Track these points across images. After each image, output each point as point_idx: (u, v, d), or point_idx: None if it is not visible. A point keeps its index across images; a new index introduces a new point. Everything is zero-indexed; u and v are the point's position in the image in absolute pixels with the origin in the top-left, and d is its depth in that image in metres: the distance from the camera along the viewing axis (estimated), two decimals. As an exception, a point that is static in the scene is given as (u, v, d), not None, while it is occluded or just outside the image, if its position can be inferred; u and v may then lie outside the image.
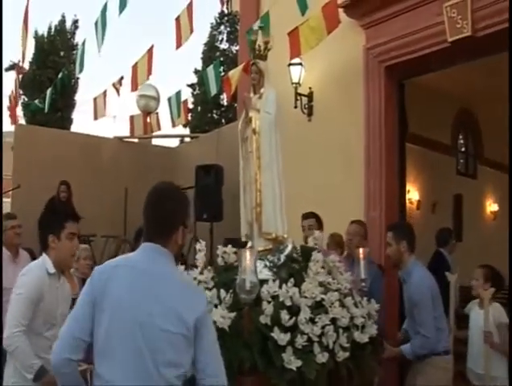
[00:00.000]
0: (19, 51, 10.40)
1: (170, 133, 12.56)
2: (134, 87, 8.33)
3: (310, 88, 7.74)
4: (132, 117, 11.30)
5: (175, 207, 2.67)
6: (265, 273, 3.75)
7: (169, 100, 9.00)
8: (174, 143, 15.75)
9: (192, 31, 7.31)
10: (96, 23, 7.77)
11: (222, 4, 7.49)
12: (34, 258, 6.14)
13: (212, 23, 19.75)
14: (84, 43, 8.61)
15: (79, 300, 2.51)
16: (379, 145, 6.91)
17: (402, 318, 5.38)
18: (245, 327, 3.29)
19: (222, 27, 19.77)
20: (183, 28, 7.32)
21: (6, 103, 10.66)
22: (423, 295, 4.55)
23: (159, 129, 11.36)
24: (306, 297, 3.60)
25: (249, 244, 4.26)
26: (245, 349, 3.24)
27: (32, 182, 9.14)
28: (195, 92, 18.92)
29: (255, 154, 4.23)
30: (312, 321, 3.50)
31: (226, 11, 18.21)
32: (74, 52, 19.42)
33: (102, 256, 8.65)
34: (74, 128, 20.27)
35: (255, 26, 5.85)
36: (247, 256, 3.33)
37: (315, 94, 7.78)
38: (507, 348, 4.68)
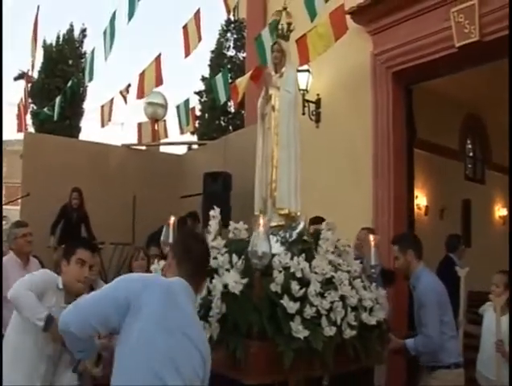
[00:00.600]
0: (29, 60, 10.46)
1: (177, 140, 12.62)
2: (141, 94, 8.35)
3: (317, 94, 7.76)
4: (140, 125, 11.33)
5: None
6: (276, 248, 3.76)
7: (177, 107, 9.02)
8: (181, 150, 15.79)
9: (200, 39, 7.33)
10: (104, 32, 7.82)
11: (228, 12, 7.48)
12: (43, 266, 6.20)
13: (219, 30, 19.84)
14: (93, 52, 8.66)
15: (107, 293, 2.53)
16: (387, 150, 6.92)
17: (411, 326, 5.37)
18: (256, 292, 3.32)
19: (229, 34, 19.83)
20: (191, 36, 7.34)
21: (14, 111, 10.74)
22: (429, 297, 4.51)
23: (167, 136, 11.39)
24: (316, 273, 3.63)
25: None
26: (255, 313, 3.26)
27: (41, 190, 9.16)
28: (202, 100, 18.97)
29: (273, 131, 4.29)
30: (322, 295, 3.53)
31: (233, 18, 18.29)
32: (82, 61, 19.54)
33: (111, 263, 8.66)
34: (82, 136, 20.39)
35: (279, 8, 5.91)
36: (261, 222, 3.35)
37: (323, 100, 7.80)
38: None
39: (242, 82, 8.12)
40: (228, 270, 3.52)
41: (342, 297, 3.62)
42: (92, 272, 5.35)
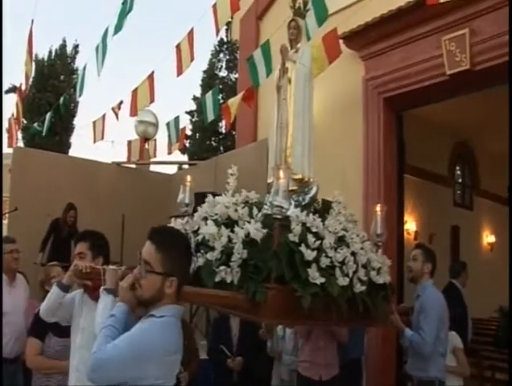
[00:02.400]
0: (21, 74, 10.44)
1: (167, 159, 12.61)
2: (134, 112, 8.36)
3: (308, 118, 7.78)
4: (130, 143, 11.33)
5: None
6: (290, 211, 3.85)
7: (167, 125, 9.03)
8: (172, 170, 15.78)
9: (192, 59, 7.34)
10: (96, 48, 7.83)
11: (217, 32, 7.50)
12: (28, 283, 6.12)
13: (211, 51, 19.93)
14: (84, 68, 8.68)
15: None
16: (378, 175, 6.95)
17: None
18: (276, 239, 3.46)
19: (221, 55, 19.92)
20: (183, 56, 7.37)
21: (4, 125, 10.70)
22: (434, 306, 4.71)
23: (155, 156, 11.40)
24: (329, 231, 3.79)
25: None
26: (274, 259, 3.40)
27: (29, 204, 9.07)
28: (193, 119, 19.00)
29: (289, 101, 4.50)
30: (335, 249, 3.71)
31: (226, 39, 18.40)
32: (74, 76, 19.55)
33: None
34: (72, 152, 20.33)
35: None
36: (281, 175, 3.51)
37: (315, 124, 7.81)
38: (464, 370, 5.35)
39: (234, 103, 8.15)
40: (248, 222, 3.69)
41: (353, 254, 3.80)
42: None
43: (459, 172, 12.88)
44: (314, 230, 3.71)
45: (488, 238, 13.22)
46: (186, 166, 13.95)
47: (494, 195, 12.59)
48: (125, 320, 2.65)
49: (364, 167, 7.10)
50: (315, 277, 3.43)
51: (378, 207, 4.35)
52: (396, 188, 7.26)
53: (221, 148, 18.17)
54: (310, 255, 3.49)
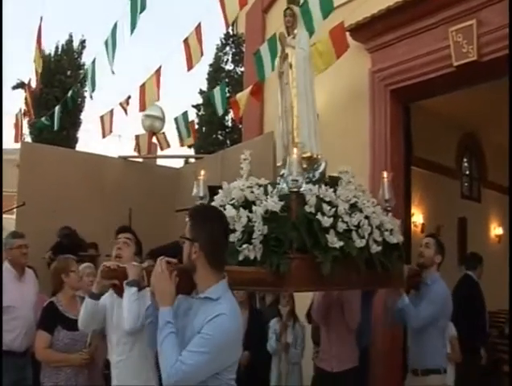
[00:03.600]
0: (29, 69, 10.48)
1: (173, 153, 12.58)
2: (142, 107, 8.39)
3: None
4: (138, 137, 11.33)
5: None
6: (303, 186, 4.00)
7: (176, 120, 9.04)
8: (179, 164, 15.77)
9: (202, 54, 7.38)
10: (106, 43, 7.83)
11: (227, 26, 7.53)
12: (37, 277, 6.16)
13: (217, 44, 19.85)
14: (93, 63, 8.67)
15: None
16: (385, 168, 6.91)
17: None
18: (293, 211, 3.68)
19: (227, 48, 19.83)
20: (192, 50, 7.37)
21: (11, 121, 10.73)
22: (440, 297, 4.83)
23: (169, 146, 11.38)
24: (342, 200, 3.98)
25: None
26: (294, 230, 3.60)
27: (37, 199, 9.09)
28: (200, 113, 18.94)
29: (291, 85, 4.65)
30: (350, 215, 3.92)
31: (231, 33, 18.32)
32: (81, 72, 19.56)
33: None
34: (79, 146, 20.34)
35: None
36: (294, 151, 3.82)
37: (321, 118, 7.76)
38: (457, 357, 5.62)
39: (243, 97, 8.16)
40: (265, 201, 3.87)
41: (366, 217, 4.01)
42: (89, 283, 5.37)
43: (466, 164, 12.83)
44: (327, 199, 3.90)
45: (495, 230, 13.17)
46: (192, 160, 13.95)
47: (501, 187, 12.52)
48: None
49: (371, 159, 7.09)
50: (334, 241, 3.66)
51: (385, 174, 4.57)
52: (403, 180, 7.24)
53: (228, 141, 18.10)
54: (327, 221, 3.71)
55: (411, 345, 5.08)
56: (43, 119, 11.15)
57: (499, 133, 10.61)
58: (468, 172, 12.92)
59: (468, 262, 7.52)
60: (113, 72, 8.09)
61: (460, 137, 11.94)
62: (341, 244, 3.67)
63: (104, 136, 9.46)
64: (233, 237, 3.68)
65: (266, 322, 6.21)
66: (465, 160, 12.73)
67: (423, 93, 7.12)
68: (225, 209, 3.88)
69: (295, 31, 4.87)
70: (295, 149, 3.88)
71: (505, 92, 6.12)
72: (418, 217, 10.71)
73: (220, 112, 8.33)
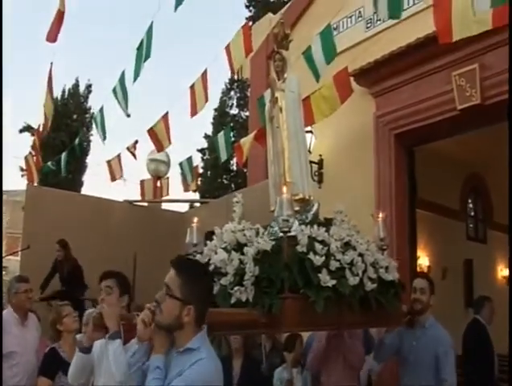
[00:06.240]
0: (39, 114, 10.59)
1: (179, 198, 12.59)
2: (160, 148, 8.55)
3: (320, 155, 7.82)
4: (143, 181, 11.38)
5: None
6: (295, 227, 3.97)
7: (181, 165, 9.09)
8: (183, 208, 15.79)
9: (207, 100, 7.45)
10: (114, 90, 7.91)
11: (233, 73, 7.64)
12: (40, 321, 6.10)
13: (222, 88, 20.11)
14: (102, 110, 8.73)
15: None
16: (390, 211, 6.91)
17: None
18: (285, 251, 3.62)
19: (232, 93, 20.09)
20: (197, 96, 7.45)
21: (18, 163, 10.81)
22: (449, 343, 4.79)
23: (168, 194, 11.42)
24: (335, 239, 3.95)
25: None
26: (286, 270, 3.54)
27: (42, 242, 9.08)
28: (205, 157, 19.09)
29: (282, 128, 4.65)
30: (342, 253, 3.86)
31: (236, 77, 18.58)
32: (87, 116, 19.78)
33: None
34: (85, 190, 20.46)
35: (278, 19, 6.15)
36: (284, 190, 3.79)
37: (326, 161, 7.85)
38: None
39: (246, 142, 8.19)
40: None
41: (360, 255, 3.96)
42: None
43: (471, 205, 12.81)
44: (320, 239, 3.86)
45: (502, 271, 13.06)
46: (198, 204, 13.96)
47: (507, 227, 12.49)
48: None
49: (376, 203, 7.09)
50: (327, 280, 3.60)
51: (380, 213, 4.60)
52: (408, 223, 7.23)
53: (233, 185, 18.20)
54: (319, 260, 3.66)
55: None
56: (49, 163, 11.22)
57: (504, 174, 10.62)
58: (473, 213, 12.88)
59: (474, 305, 7.44)
60: (128, 116, 8.18)
61: (464, 178, 11.94)
62: (334, 282, 3.61)
63: (113, 179, 9.53)
64: (224, 280, 3.66)
65: (260, 366, 6.12)
66: (470, 201, 12.71)
67: (427, 137, 7.16)
68: (216, 253, 3.88)
69: (285, 75, 4.89)
70: (284, 189, 3.85)
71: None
72: (424, 260, 10.65)
73: (224, 158, 8.36)
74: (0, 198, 6.59)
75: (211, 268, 3.82)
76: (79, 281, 8.91)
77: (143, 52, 7.24)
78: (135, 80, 7.42)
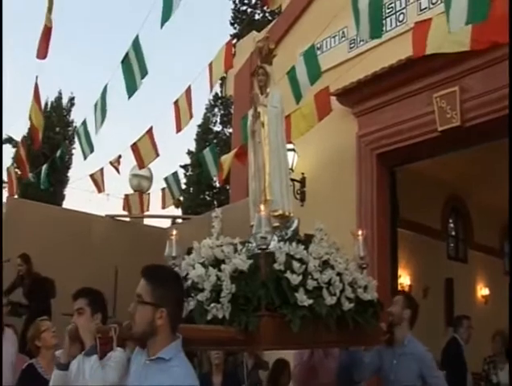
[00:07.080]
0: (23, 125, 10.56)
1: (161, 213, 12.56)
2: (141, 165, 8.51)
3: (303, 173, 7.84)
4: (127, 196, 11.33)
5: None
6: (274, 244, 3.98)
7: (166, 179, 9.08)
8: (166, 224, 15.74)
9: (191, 116, 7.43)
10: (95, 105, 7.85)
11: (211, 89, 7.60)
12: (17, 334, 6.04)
13: (206, 105, 20.13)
14: (85, 124, 8.64)
15: None
16: (371, 231, 6.94)
17: None
18: (262, 269, 3.59)
19: (216, 110, 20.12)
20: (182, 112, 7.44)
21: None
22: (432, 359, 4.83)
23: (148, 209, 11.38)
24: (314, 257, 3.90)
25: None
26: (262, 289, 3.52)
27: (21, 256, 9.00)
28: (187, 173, 19.07)
29: (263, 143, 4.61)
30: (320, 272, 3.82)
31: (220, 94, 18.64)
32: (69, 129, 19.69)
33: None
34: (66, 204, 20.32)
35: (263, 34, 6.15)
36: (261, 208, 3.73)
37: (308, 180, 7.87)
38: None
39: (227, 160, 8.17)
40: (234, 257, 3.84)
41: (339, 274, 3.91)
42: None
43: (452, 225, 12.92)
44: (298, 257, 3.84)
45: (482, 291, 13.16)
46: (180, 220, 13.92)
47: (488, 248, 12.61)
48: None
49: (357, 221, 7.12)
50: (303, 299, 3.56)
51: (359, 231, 4.56)
52: (389, 242, 7.27)
53: (215, 202, 18.18)
54: (296, 279, 3.61)
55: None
56: (30, 175, 11.13)
57: (485, 195, 10.74)
58: (454, 233, 12.99)
59: (454, 324, 7.50)
60: (96, 134, 8.10)
61: (445, 198, 12.05)
62: (311, 302, 3.59)
63: (99, 191, 9.53)
64: (201, 296, 3.64)
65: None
66: (451, 221, 12.82)
67: (408, 157, 7.22)
68: (193, 268, 3.86)
69: (268, 90, 4.84)
70: (262, 207, 3.82)
71: (490, 154, 6.24)
72: (405, 279, 10.70)
73: (214, 173, 8.33)
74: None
75: (189, 282, 3.81)
76: (43, 294, 8.51)
77: (134, 68, 7.12)
78: (130, 96, 7.26)
